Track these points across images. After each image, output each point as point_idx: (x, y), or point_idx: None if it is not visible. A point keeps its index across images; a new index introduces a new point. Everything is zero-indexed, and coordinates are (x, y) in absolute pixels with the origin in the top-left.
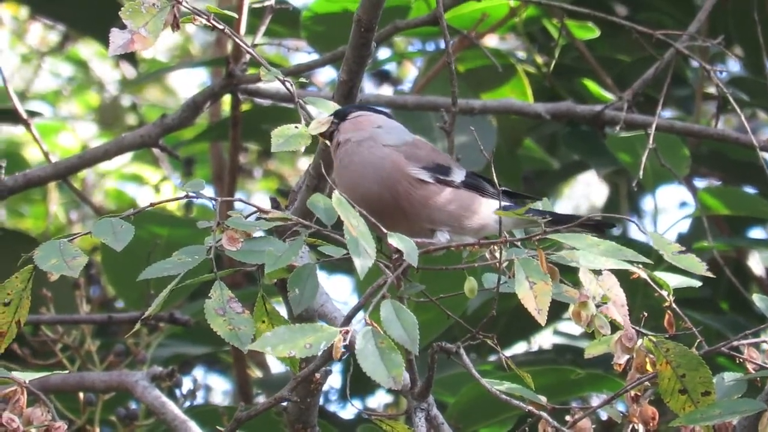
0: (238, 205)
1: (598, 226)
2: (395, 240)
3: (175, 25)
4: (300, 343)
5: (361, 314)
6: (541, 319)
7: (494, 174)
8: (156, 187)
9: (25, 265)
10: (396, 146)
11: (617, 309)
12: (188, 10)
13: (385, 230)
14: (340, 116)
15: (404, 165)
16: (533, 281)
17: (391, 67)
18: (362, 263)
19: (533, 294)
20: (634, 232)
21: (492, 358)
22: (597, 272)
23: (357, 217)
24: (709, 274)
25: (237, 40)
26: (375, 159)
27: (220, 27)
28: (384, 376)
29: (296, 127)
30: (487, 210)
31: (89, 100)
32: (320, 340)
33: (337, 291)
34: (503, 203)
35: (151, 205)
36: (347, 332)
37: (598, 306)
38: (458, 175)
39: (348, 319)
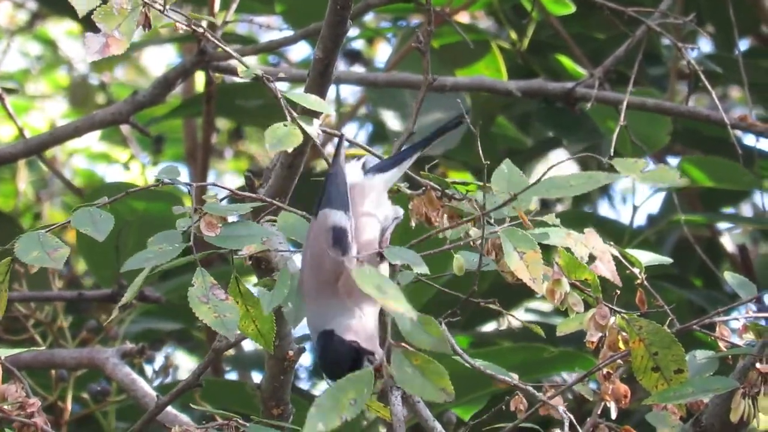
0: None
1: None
2: (396, 258)
3: (147, 25)
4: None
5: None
6: (538, 287)
7: (480, 150)
8: (126, 165)
9: (2, 257)
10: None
11: (605, 265)
12: (164, 14)
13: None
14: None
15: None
16: (522, 251)
17: (360, 45)
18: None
19: (525, 263)
20: (605, 211)
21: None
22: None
23: (383, 284)
24: (683, 182)
25: (219, 43)
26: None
27: (200, 30)
28: (434, 392)
29: (285, 125)
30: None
31: (58, 79)
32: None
33: None
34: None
35: (127, 194)
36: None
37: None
38: (343, 221)
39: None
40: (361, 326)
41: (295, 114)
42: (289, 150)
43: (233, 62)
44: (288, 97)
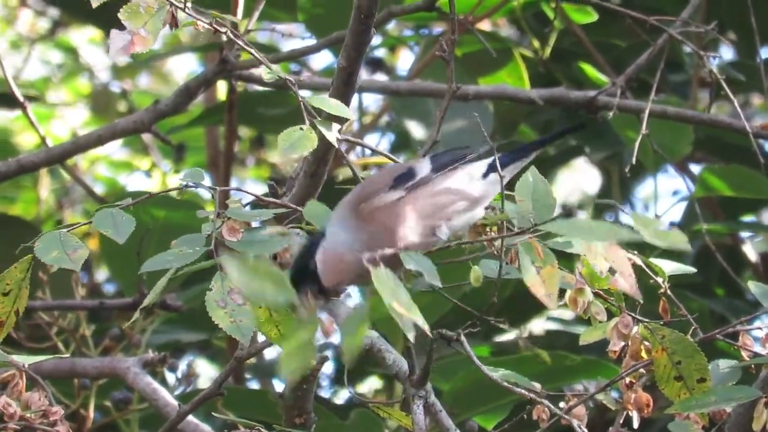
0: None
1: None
2: (411, 263)
3: (174, 24)
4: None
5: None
6: (552, 304)
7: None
8: (148, 172)
9: (24, 254)
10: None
11: (626, 279)
12: (186, 13)
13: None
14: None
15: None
16: (539, 266)
17: (381, 53)
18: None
19: (541, 279)
20: (626, 219)
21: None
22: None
23: (397, 291)
24: (688, 247)
25: (239, 41)
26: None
27: (222, 31)
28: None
29: (301, 128)
30: (469, 179)
31: (79, 87)
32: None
33: None
34: (490, 161)
35: (150, 195)
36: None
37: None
38: (424, 167)
39: None
40: (341, 256)
41: (316, 117)
42: (305, 154)
43: (255, 71)
44: (310, 101)
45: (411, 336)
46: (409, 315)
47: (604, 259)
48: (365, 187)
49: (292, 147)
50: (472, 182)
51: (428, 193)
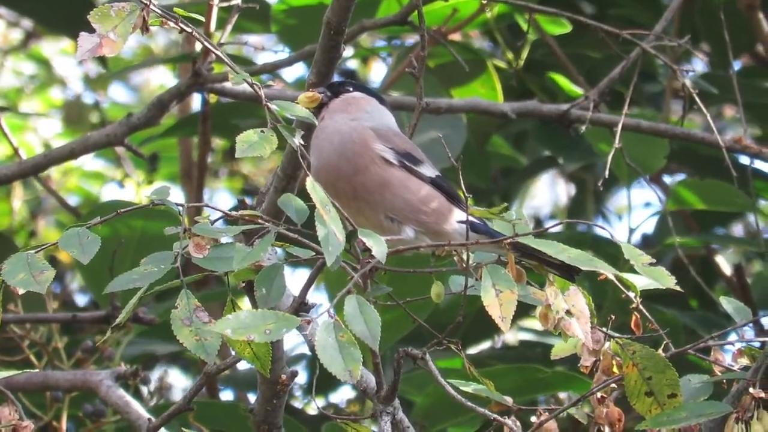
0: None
1: (565, 269)
2: (367, 238)
3: (145, 29)
4: (261, 328)
5: (326, 307)
6: (505, 327)
7: (460, 173)
8: (121, 183)
9: None
10: (372, 126)
11: (581, 325)
12: (158, 13)
13: (356, 226)
14: (333, 91)
15: (371, 140)
16: (499, 289)
17: (354, 65)
18: (332, 250)
19: (498, 302)
20: (601, 230)
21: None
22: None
23: (329, 203)
24: (678, 288)
25: (205, 43)
26: (345, 129)
27: (189, 30)
28: (341, 369)
29: (262, 131)
30: (449, 214)
31: (51, 98)
32: (281, 326)
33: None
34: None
35: (118, 214)
36: (308, 322)
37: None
38: (428, 171)
39: (301, 298)
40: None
41: (280, 121)
42: (261, 155)
43: (228, 84)
44: (275, 105)
45: (375, 347)
46: (332, 224)
47: (564, 301)
48: (393, 133)
49: (250, 148)
50: (446, 215)
51: (409, 185)
